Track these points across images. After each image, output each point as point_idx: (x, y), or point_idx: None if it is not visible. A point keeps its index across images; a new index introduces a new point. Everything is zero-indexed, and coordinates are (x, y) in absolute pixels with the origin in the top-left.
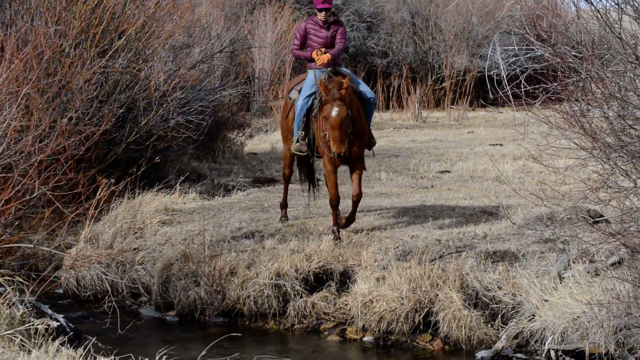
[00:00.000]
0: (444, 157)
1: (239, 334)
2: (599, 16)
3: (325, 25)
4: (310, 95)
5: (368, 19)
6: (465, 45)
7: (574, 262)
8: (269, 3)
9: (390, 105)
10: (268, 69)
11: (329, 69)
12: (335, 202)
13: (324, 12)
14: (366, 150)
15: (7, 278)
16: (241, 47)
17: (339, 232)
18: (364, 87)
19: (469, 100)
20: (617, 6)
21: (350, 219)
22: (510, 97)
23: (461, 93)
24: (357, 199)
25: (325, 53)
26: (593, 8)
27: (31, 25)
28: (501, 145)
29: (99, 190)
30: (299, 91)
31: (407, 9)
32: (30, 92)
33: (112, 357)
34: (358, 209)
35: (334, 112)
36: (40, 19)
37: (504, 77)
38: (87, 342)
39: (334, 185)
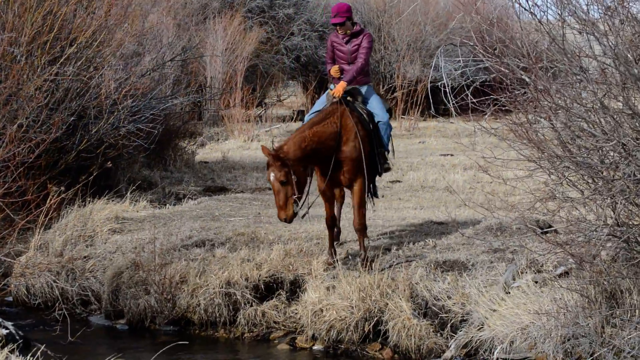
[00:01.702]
0: (394, 166)
1: (189, 342)
2: (542, 29)
3: (344, 39)
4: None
5: (320, 29)
6: (417, 55)
7: (522, 272)
8: (219, 12)
9: None
10: (220, 77)
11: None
12: (330, 222)
13: (338, 27)
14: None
15: None
16: (193, 56)
17: (333, 255)
18: (376, 108)
19: (420, 110)
20: (560, 18)
21: (363, 254)
22: (456, 109)
23: (412, 103)
24: (357, 227)
25: (339, 78)
26: (536, 21)
27: None
28: (452, 155)
29: (49, 197)
30: None
31: (359, 19)
32: None
33: None
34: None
35: (271, 177)
36: None
37: (449, 89)
38: (37, 349)
39: (329, 207)
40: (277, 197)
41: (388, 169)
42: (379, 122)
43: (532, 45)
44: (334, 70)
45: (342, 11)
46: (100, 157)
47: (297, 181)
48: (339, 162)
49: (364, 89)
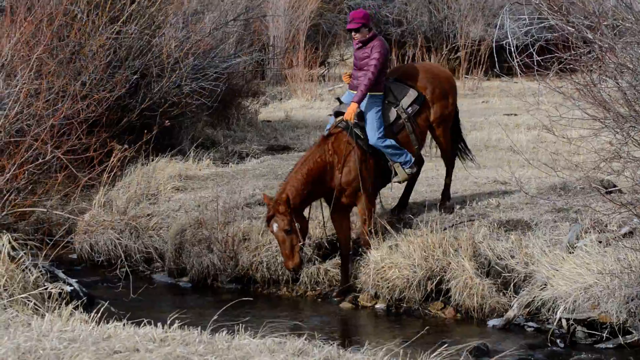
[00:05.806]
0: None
1: (251, 300)
2: None
3: (357, 45)
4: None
5: None
6: (480, 15)
7: (586, 232)
8: None
9: None
10: (282, 36)
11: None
12: (343, 250)
13: (353, 33)
14: None
15: (21, 242)
16: (255, 15)
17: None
18: (367, 128)
19: (483, 69)
20: None
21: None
22: (521, 67)
23: (476, 62)
24: (362, 244)
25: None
26: None
27: None
28: (515, 115)
29: (112, 155)
30: None
31: None
32: (41, 57)
33: (125, 321)
34: None
35: (274, 228)
36: None
37: (514, 48)
38: (100, 306)
39: (337, 232)
40: (282, 246)
41: (402, 181)
42: (370, 144)
43: (597, 3)
44: (344, 76)
45: (358, 17)
46: (163, 116)
47: (300, 227)
48: (339, 188)
49: (363, 104)
